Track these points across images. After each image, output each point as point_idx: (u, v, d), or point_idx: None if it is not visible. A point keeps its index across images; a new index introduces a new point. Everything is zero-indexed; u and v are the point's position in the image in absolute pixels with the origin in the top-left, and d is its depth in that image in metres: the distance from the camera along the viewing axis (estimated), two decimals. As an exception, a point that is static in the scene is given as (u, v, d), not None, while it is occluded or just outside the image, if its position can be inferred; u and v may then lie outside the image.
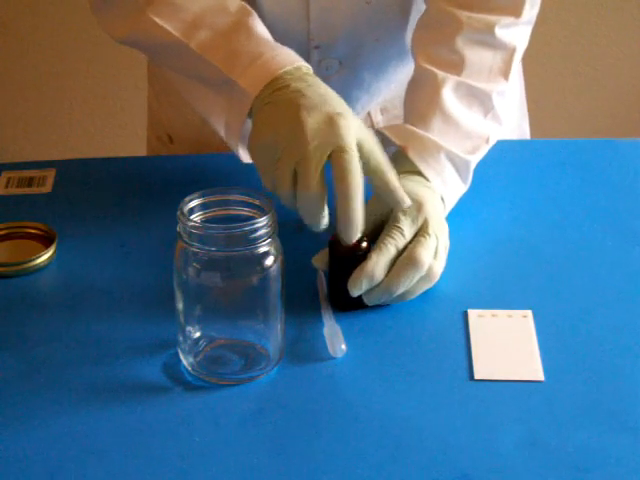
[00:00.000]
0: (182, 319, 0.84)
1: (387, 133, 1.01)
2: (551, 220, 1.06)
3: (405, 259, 0.90)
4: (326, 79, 1.16)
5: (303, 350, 0.87)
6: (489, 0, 1.05)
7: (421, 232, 0.92)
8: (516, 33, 1.07)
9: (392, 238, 0.91)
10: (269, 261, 0.82)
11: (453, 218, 1.00)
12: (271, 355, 0.85)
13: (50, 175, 1.14)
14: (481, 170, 1.04)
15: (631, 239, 1.02)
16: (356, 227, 0.87)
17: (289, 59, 0.96)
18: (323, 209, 0.88)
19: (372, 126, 1.24)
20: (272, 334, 0.85)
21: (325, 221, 0.89)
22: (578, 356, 0.86)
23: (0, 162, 1.18)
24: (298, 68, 0.95)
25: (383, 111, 1.24)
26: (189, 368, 0.85)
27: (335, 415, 0.80)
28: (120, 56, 2.25)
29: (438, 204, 0.97)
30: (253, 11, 1.01)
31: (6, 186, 1.12)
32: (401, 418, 0.80)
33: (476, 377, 0.84)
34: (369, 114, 1.24)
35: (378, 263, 0.89)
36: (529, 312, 0.92)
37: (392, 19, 1.14)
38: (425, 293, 0.93)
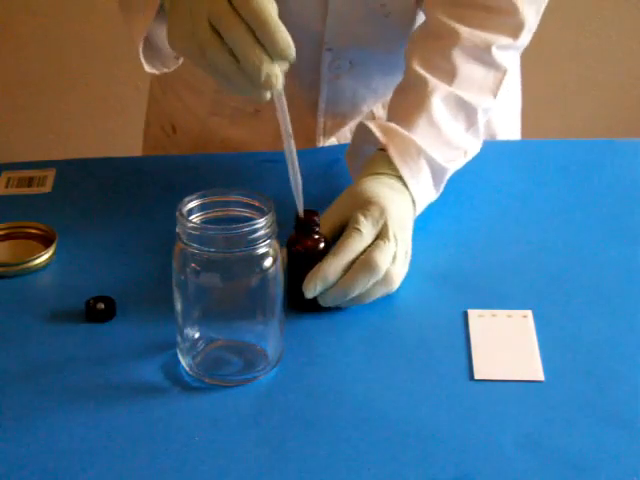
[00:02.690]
0: (181, 320, 0.84)
1: (372, 127, 1.01)
2: (551, 220, 1.06)
3: (361, 262, 0.89)
4: (336, 78, 1.17)
5: (302, 351, 0.87)
6: (489, 19, 1.06)
7: (381, 236, 0.91)
8: (509, 56, 1.08)
9: (350, 240, 0.90)
10: (268, 262, 0.82)
11: (453, 218, 1.00)
12: (270, 356, 0.85)
13: (50, 175, 1.14)
14: (480, 170, 1.04)
15: (631, 239, 1.02)
16: (284, 35, 0.81)
17: None
18: (260, 47, 0.81)
19: (373, 118, 1.24)
20: (271, 335, 0.85)
21: (276, 81, 0.82)
22: (578, 356, 0.86)
23: (0, 162, 1.18)
24: None
25: (384, 105, 1.24)
26: (188, 369, 0.84)
27: (335, 415, 0.80)
28: (120, 56, 2.25)
29: (405, 208, 0.96)
30: None
31: (6, 186, 1.12)
32: (401, 418, 0.80)
33: (476, 377, 0.84)
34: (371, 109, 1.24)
35: (332, 265, 0.88)
36: (529, 312, 0.92)
37: (406, 31, 1.15)
38: (425, 293, 0.93)
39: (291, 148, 0.87)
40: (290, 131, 0.87)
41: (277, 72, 0.82)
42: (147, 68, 1.03)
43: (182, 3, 0.86)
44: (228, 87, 0.85)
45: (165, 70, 1.04)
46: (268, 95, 0.84)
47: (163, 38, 0.97)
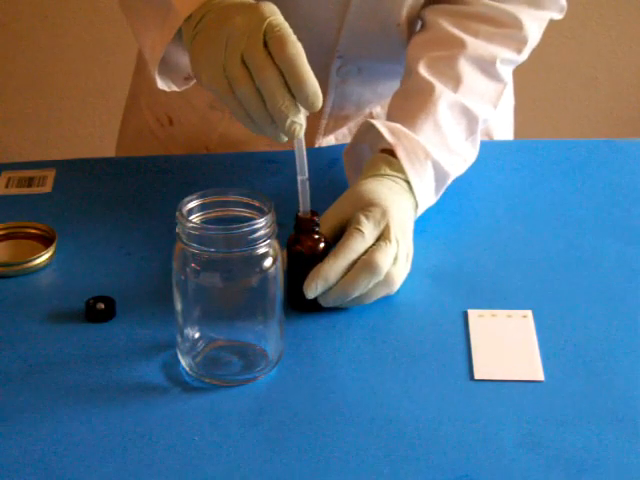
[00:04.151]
0: (181, 320, 0.84)
1: (379, 127, 1.01)
2: (551, 220, 1.06)
3: (362, 263, 0.89)
4: (344, 82, 1.17)
5: (302, 351, 0.87)
6: (495, 33, 1.08)
7: (382, 237, 0.91)
8: (509, 71, 1.10)
9: (351, 241, 0.89)
10: (268, 262, 0.82)
11: (453, 217, 1.00)
12: (270, 356, 0.85)
13: (50, 175, 1.14)
14: (480, 170, 1.04)
15: (631, 239, 1.02)
16: (314, 86, 0.83)
17: None
18: (288, 93, 0.84)
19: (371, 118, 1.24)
20: (271, 335, 0.85)
21: (300, 122, 0.84)
22: (578, 356, 0.86)
23: (0, 162, 1.18)
24: None
25: (384, 105, 1.24)
26: (188, 369, 0.84)
27: (335, 415, 0.80)
28: (120, 56, 2.25)
29: (406, 211, 0.96)
30: None
31: (6, 186, 1.12)
32: (401, 418, 0.80)
33: (476, 377, 0.84)
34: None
35: (333, 266, 0.88)
36: (529, 312, 0.92)
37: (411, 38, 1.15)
38: (425, 293, 0.93)
39: (305, 189, 0.89)
40: (306, 174, 0.88)
41: (302, 121, 0.85)
42: (160, 85, 1.01)
43: (216, 34, 0.86)
44: (249, 125, 0.87)
45: (175, 89, 1.03)
46: (286, 138, 0.85)
47: (177, 57, 0.96)
